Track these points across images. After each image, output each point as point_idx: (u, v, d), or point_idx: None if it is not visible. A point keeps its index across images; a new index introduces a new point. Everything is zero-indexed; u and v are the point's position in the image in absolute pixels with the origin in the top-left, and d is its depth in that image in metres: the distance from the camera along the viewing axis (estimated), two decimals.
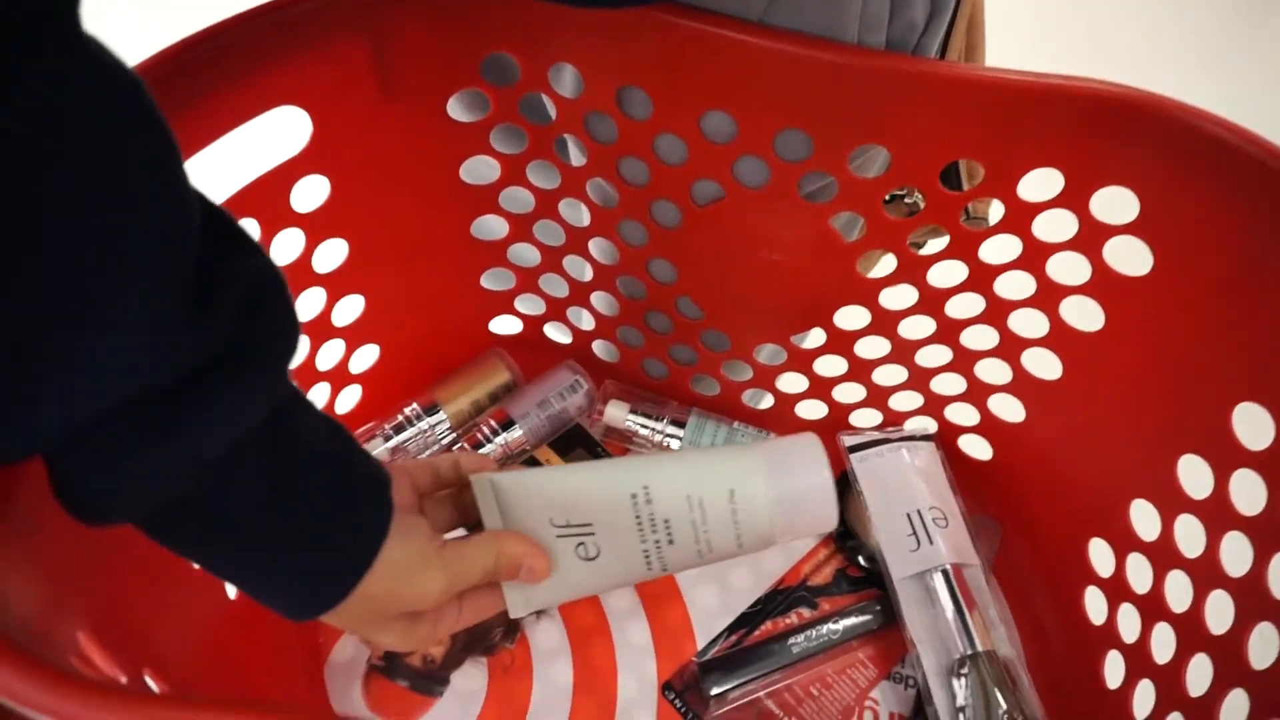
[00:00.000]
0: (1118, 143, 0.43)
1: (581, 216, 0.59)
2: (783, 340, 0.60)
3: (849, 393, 0.63)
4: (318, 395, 0.60)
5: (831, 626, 0.58)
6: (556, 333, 0.68)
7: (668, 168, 0.52)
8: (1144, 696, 0.50)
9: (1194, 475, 0.48)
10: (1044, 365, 0.56)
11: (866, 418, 0.65)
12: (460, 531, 0.44)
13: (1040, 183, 0.48)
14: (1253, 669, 0.43)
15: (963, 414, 0.62)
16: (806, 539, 0.63)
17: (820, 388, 0.63)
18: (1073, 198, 0.47)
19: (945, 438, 0.64)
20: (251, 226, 0.49)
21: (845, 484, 0.63)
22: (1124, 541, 0.53)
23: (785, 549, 0.62)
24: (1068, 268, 0.50)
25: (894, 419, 0.64)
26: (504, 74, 0.52)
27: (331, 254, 0.55)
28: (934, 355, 0.59)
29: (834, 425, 0.65)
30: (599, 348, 0.68)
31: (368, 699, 0.55)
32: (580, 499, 0.41)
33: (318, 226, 0.53)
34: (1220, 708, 0.44)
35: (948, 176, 0.51)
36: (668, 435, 0.64)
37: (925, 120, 0.45)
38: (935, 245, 0.53)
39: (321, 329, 0.57)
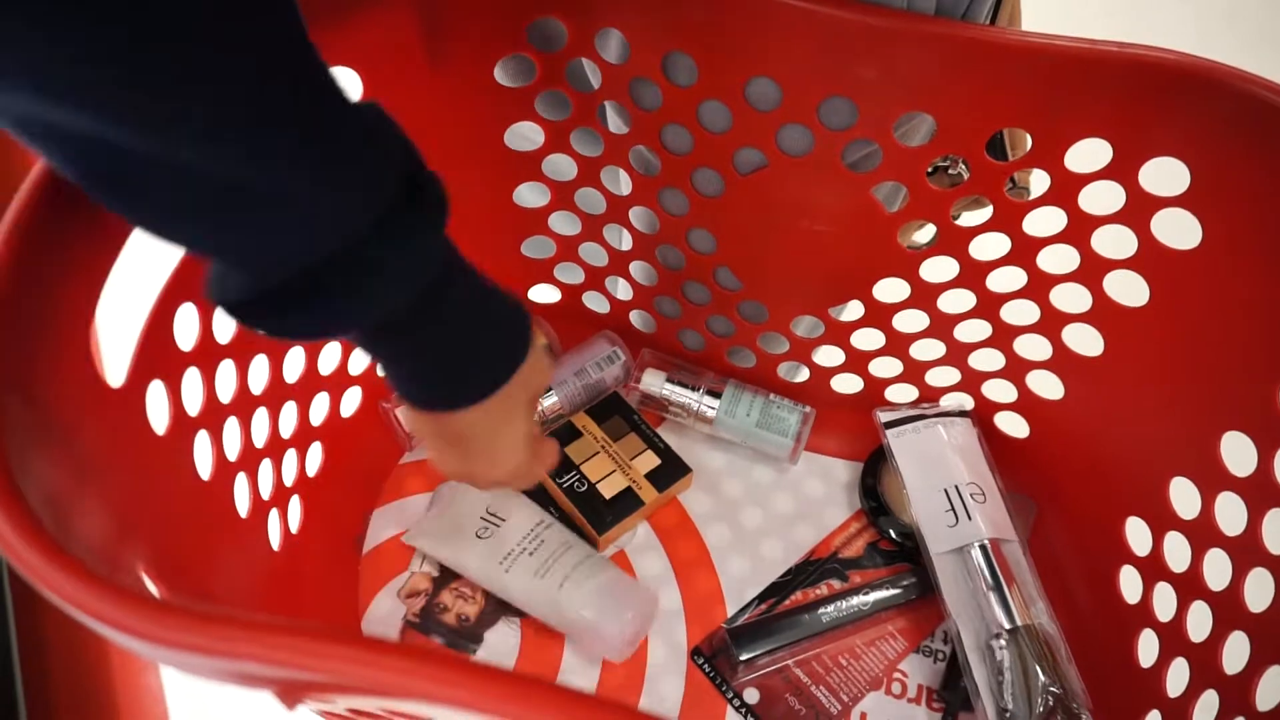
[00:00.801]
0: (1170, 112, 0.43)
1: (621, 185, 0.59)
2: (821, 312, 0.60)
3: (885, 367, 0.63)
4: (359, 360, 0.61)
5: (862, 599, 0.58)
6: (594, 302, 0.68)
7: (711, 135, 0.52)
8: (1178, 674, 0.50)
9: (1237, 452, 0.48)
10: (1085, 341, 0.55)
11: (902, 393, 0.65)
12: None
13: (1088, 153, 0.47)
14: None
15: (1000, 390, 0.62)
16: (839, 512, 0.63)
17: (857, 361, 0.63)
18: (1121, 168, 0.47)
19: (982, 414, 0.63)
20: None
21: (880, 458, 0.63)
22: (1161, 520, 0.53)
23: (816, 522, 0.62)
24: (1114, 241, 0.50)
25: (930, 395, 0.64)
26: (550, 39, 0.52)
27: None
28: (973, 330, 0.58)
29: (869, 399, 0.65)
30: (636, 318, 0.69)
31: None
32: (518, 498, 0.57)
33: None
34: (1257, 685, 0.44)
35: (992, 147, 0.51)
36: (704, 404, 0.64)
37: (972, 88, 0.45)
38: (972, 218, 0.53)
39: None
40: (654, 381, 0.65)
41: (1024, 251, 0.52)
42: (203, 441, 0.45)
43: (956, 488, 0.59)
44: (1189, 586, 0.50)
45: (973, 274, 0.55)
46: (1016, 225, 0.51)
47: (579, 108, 0.55)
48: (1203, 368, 0.49)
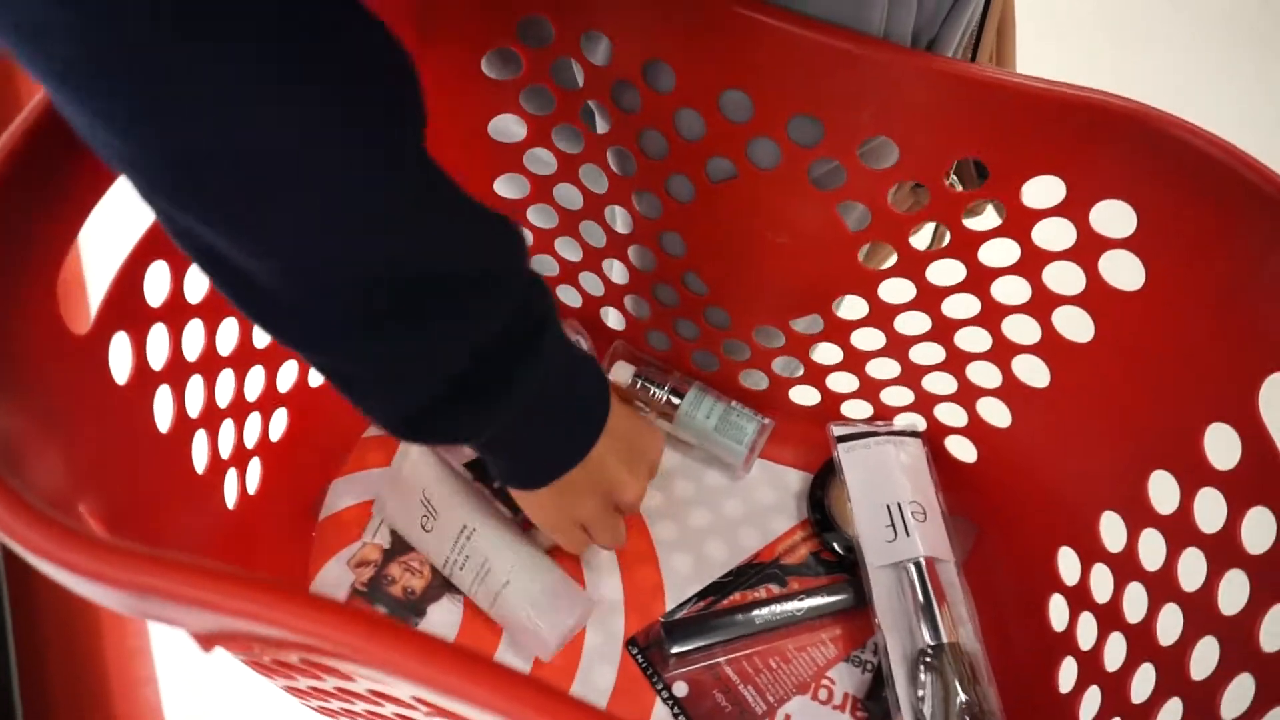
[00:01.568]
0: (1116, 155, 0.44)
1: (600, 183, 0.61)
2: (781, 323, 0.62)
3: (842, 382, 0.65)
4: None
5: (797, 604, 0.60)
6: (567, 296, 0.70)
7: (685, 142, 0.53)
8: (1091, 702, 0.51)
9: (1162, 491, 0.49)
10: (1033, 372, 0.57)
11: (858, 409, 0.66)
12: None
13: (1043, 190, 0.49)
14: (1192, 679, 0.44)
15: (951, 414, 0.63)
16: (786, 520, 0.64)
17: (815, 374, 0.65)
18: (1073, 207, 0.48)
19: (933, 436, 0.65)
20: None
21: (831, 471, 0.65)
22: (1091, 551, 0.54)
23: (762, 527, 0.64)
24: (1063, 277, 0.51)
25: (885, 413, 0.65)
26: (538, 36, 0.53)
27: None
28: (927, 353, 0.60)
29: (826, 413, 0.67)
30: (607, 314, 0.70)
31: None
32: (452, 497, 0.58)
33: None
34: (1157, 715, 0.46)
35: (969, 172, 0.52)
36: (667, 402, 0.66)
37: (931, 116, 0.47)
38: (979, 223, 0.54)
39: None
40: (623, 374, 0.67)
41: (978, 280, 0.54)
42: (164, 396, 0.47)
43: (899, 505, 0.60)
44: (1109, 618, 0.52)
45: (928, 298, 0.56)
46: (972, 254, 0.53)
47: (562, 104, 0.56)
48: (1138, 406, 0.51)
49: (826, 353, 0.63)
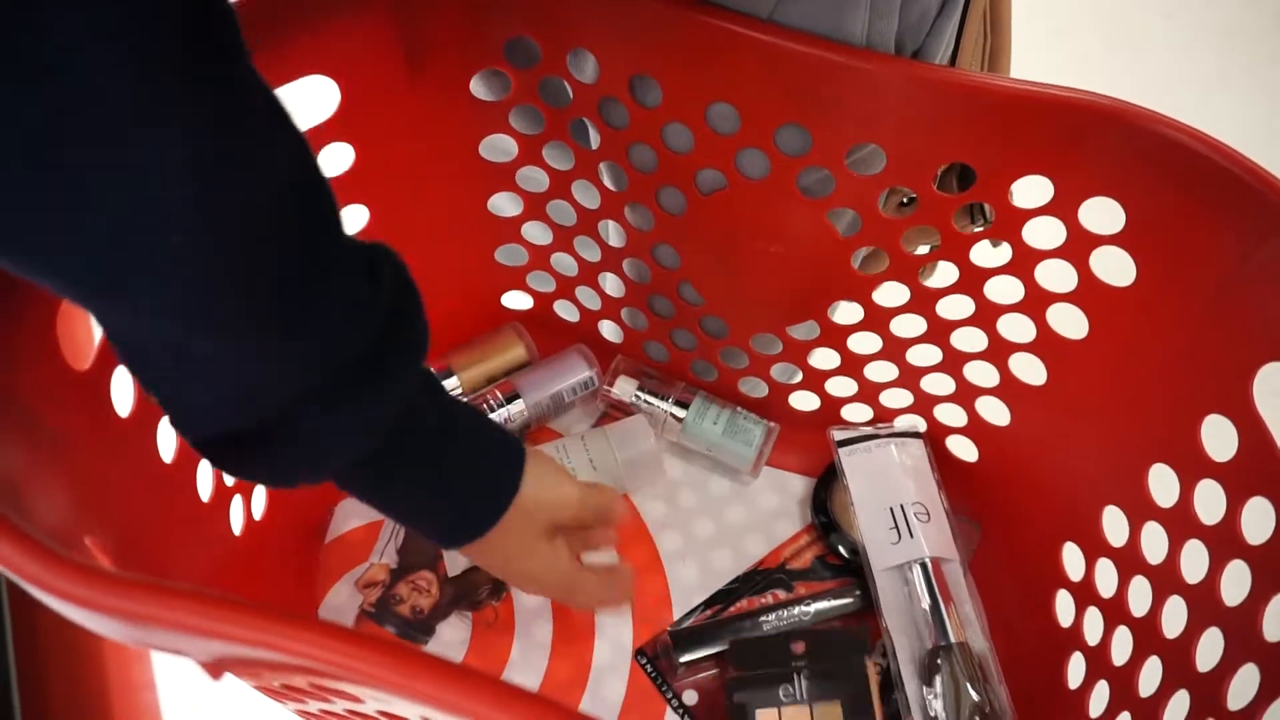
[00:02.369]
0: (1101, 153, 0.45)
1: (593, 198, 0.61)
2: (778, 331, 0.62)
3: (841, 387, 0.65)
4: None
5: (803, 609, 0.60)
6: (565, 311, 0.70)
7: (675, 155, 0.54)
8: (1099, 696, 0.51)
9: (1162, 484, 0.49)
10: (1030, 370, 0.57)
11: (858, 413, 0.66)
12: None
13: (1031, 190, 0.49)
14: (1198, 671, 0.44)
15: (951, 415, 0.63)
16: (790, 526, 0.65)
17: (813, 380, 0.65)
18: (1062, 206, 0.49)
19: (934, 437, 0.65)
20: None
21: (833, 475, 0.65)
22: (1094, 547, 0.55)
23: (767, 534, 0.64)
24: (1056, 275, 0.52)
25: (885, 415, 0.66)
26: (525, 56, 0.54)
27: (353, 220, 0.58)
28: (924, 355, 0.60)
29: (826, 418, 0.67)
30: (605, 327, 0.71)
31: None
32: None
33: (340, 193, 0.54)
34: (1165, 708, 0.46)
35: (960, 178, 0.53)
36: (672, 414, 0.66)
37: (917, 121, 0.47)
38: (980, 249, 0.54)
39: None
40: (626, 389, 0.67)
41: (971, 281, 0.54)
42: (167, 427, 0.47)
43: (902, 506, 0.61)
44: (1115, 612, 0.52)
45: (923, 300, 0.57)
46: (964, 255, 0.53)
47: (552, 122, 0.57)
48: (1135, 401, 0.51)
49: (824, 358, 0.64)
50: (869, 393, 0.64)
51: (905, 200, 0.56)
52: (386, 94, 0.54)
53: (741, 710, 0.54)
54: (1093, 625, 0.54)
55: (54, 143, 0.23)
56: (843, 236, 0.55)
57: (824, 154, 0.50)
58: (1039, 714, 0.55)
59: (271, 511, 0.57)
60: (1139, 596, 0.50)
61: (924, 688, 0.56)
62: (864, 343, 0.61)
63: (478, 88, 0.57)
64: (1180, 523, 0.48)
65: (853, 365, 0.63)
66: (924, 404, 0.64)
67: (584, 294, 0.69)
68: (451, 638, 0.58)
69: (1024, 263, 0.52)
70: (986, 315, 0.56)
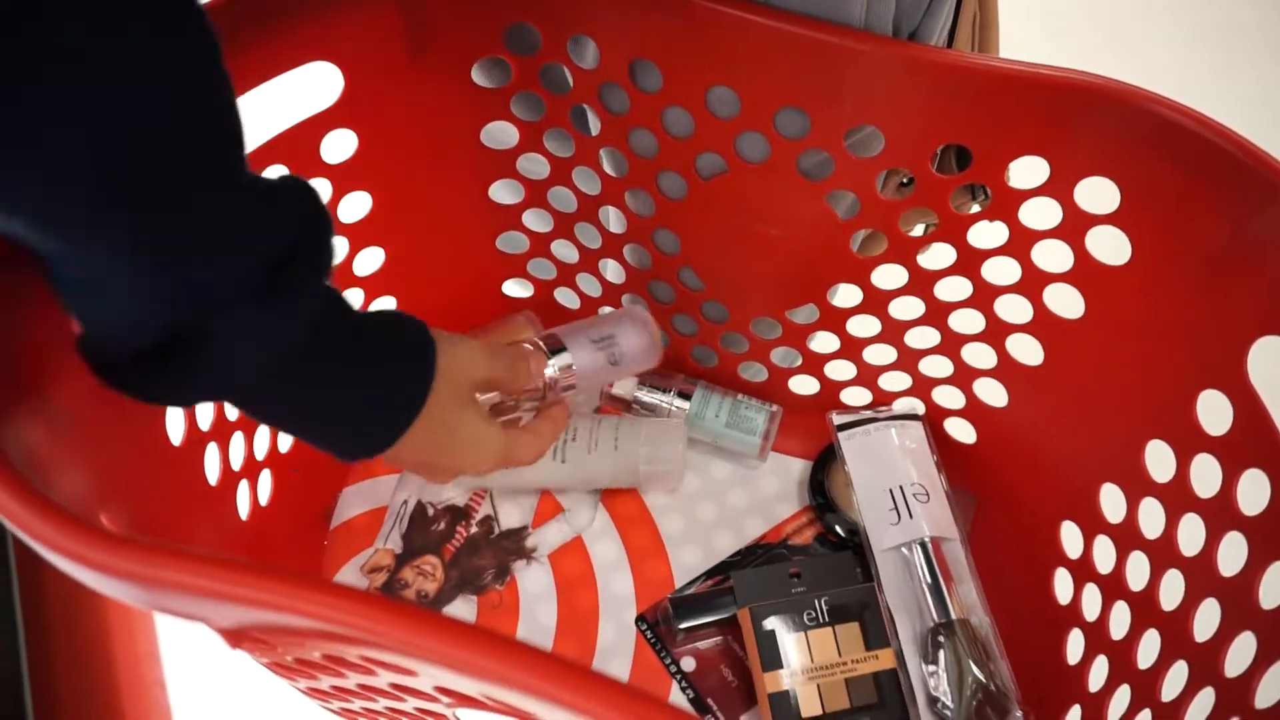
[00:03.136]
0: (1095, 132, 0.46)
1: (593, 185, 0.62)
2: (778, 314, 0.63)
3: (840, 370, 0.66)
4: None
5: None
6: (565, 298, 0.71)
7: (675, 140, 0.54)
8: (1098, 671, 0.52)
9: (1159, 460, 0.50)
10: (1027, 351, 0.58)
11: (857, 396, 0.67)
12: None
13: (1027, 170, 0.50)
14: (1196, 642, 0.45)
15: (950, 397, 0.64)
16: (790, 508, 0.65)
17: (813, 363, 0.66)
18: (1058, 186, 0.49)
19: (933, 419, 0.66)
20: (281, 174, 0.53)
21: (830, 456, 0.66)
22: (1092, 524, 0.55)
23: (768, 515, 0.65)
24: (1052, 255, 0.52)
25: (883, 398, 0.66)
26: (526, 43, 0.55)
27: (356, 206, 0.59)
28: (923, 337, 0.61)
29: (826, 402, 0.67)
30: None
31: None
32: None
33: (344, 178, 0.57)
34: (1163, 680, 0.46)
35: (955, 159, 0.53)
36: (675, 407, 0.66)
37: (914, 103, 0.48)
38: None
39: (343, 277, 0.61)
40: (626, 386, 0.68)
41: (969, 262, 0.55)
42: (176, 409, 0.48)
43: (901, 488, 0.61)
44: (1113, 587, 0.53)
45: (920, 282, 0.57)
46: (961, 237, 0.54)
47: (552, 109, 0.58)
48: (1130, 379, 0.52)
49: (824, 341, 0.64)
50: (868, 376, 0.65)
51: (905, 181, 0.57)
52: (389, 81, 0.55)
53: (771, 637, 0.56)
54: (1091, 601, 0.55)
55: None
56: (842, 219, 0.55)
57: (823, 136, 0.51)
58: (1040, 690, 0.56)
59: (277, 496, 0.58)
60: (1137, 571, 0.51)
61: (926, 666, 0.56)
62: (863, 325, 0.62)
63: (479, 75, 0.57)
64: (1177, 497, 0.49)
65: (852, 348, 0.64)
66: (922, 386, 0.64)
67: (585, 281, 0.69)
68: None
69: (1021, 243, 0.53)
70: (984, 296, 0.56)
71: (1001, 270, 0.55)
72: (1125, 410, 0.53)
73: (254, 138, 0.51)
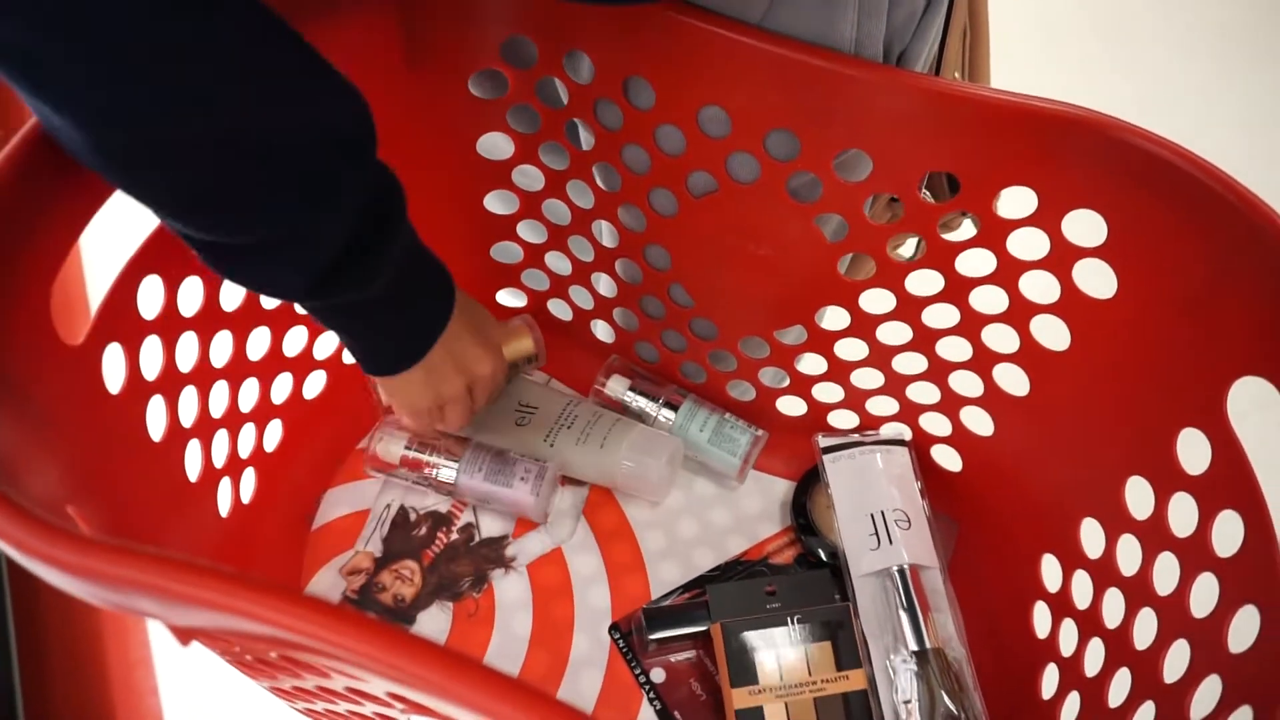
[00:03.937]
0: (1084, 165, 0.45)
1: (586, 198, 0.62)
2: (766, 334, 0.63)
3: (828, 393, 0.66)
4: (325, 345, 0.63)
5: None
6: (558, 309, 0.71)
7: (667, 157, 0.55)
8: (1070, 708, 0.52)
9: (1138, 497, 0.50)
10: (1014, 381, 0.57)
11: (844, 419, 0.67)
12: None
13: (1016, 201, 0.50)
14: (1165, 684, 0.44)
15: (936, 424, 0.64)
16: (772, 528, 0.65)
17: (800, 384, 0.66)
18: (1045, 217, 0.49)
19: (919, 445, 0.65)
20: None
21: (814, 478, 0.65)
22: (1072, 558, 0.55)
23: (749, 532, 0.65)
24: (1039, 286, 0.52)
25: (870, 422, 0.66)
26: (522, 57, 0.55)
27: None
28: (910, 363, 0.61)
29: (813, 423, 0.67)
30: (597, 327, 0.71)
31: None
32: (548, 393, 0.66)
33: None
34: (1133, 718, 0.46)
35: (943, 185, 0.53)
36: (661, 415, 0.67)
37: (902, 129, 0.48)
38: (954, 236, 0.54)
39: None
40: (618, 387, 0.68)
41: (957, 290, 0.55)
42: (157, 406, 0.48)
43: (883, 513, 0.61)
44: (1089, 624, 0.52)
45: (908, 308, 0.57)
46: (949, 264, 0.54)
47: (547, 122, 0.58)
48: (1114, 414, 0.52)
49: (812, 363, 0.64)
50: (855, 399, 0.65)
51: (894, 198, 0.57)
52: (387, 90, 0.55)
53: (742, 653, 0.56)
54: (1068, 637, 0.54)
55: None
56: (830, 241, 0.55)
57: (812, 159, 0.51)
58: None
59: (260, 496, 0.58)
60: (1112, 608, 0.51)
61: (899, 694, 0.56)
62: (851, 349, 0.62)
63: (475, 87, 0.58)
64: (1154, 535, 0.48)
65: (839, 371, 0.63)
66: (909, 412, 0.64)
67: (577, 293, 0.69)
68: (432, 627, 0.59)
69: (1008, 273, 0.53)
70: (972, 324, 0.56)
71: (989, 299, 0.55)
72: (1108, 445, 0.52)
73: None
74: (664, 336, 0.67)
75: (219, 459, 0.54)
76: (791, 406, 0.68)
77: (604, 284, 0.67)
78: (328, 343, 0.63)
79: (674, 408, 0.67)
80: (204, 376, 0.52)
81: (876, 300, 0.58)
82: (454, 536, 0.63)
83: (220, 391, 0.53)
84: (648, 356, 0.70)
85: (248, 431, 0.57)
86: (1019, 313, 0.54)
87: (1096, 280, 0.50)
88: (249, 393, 0.56)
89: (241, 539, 0.56)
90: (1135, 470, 0.50)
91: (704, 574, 0.62)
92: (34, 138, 0.37)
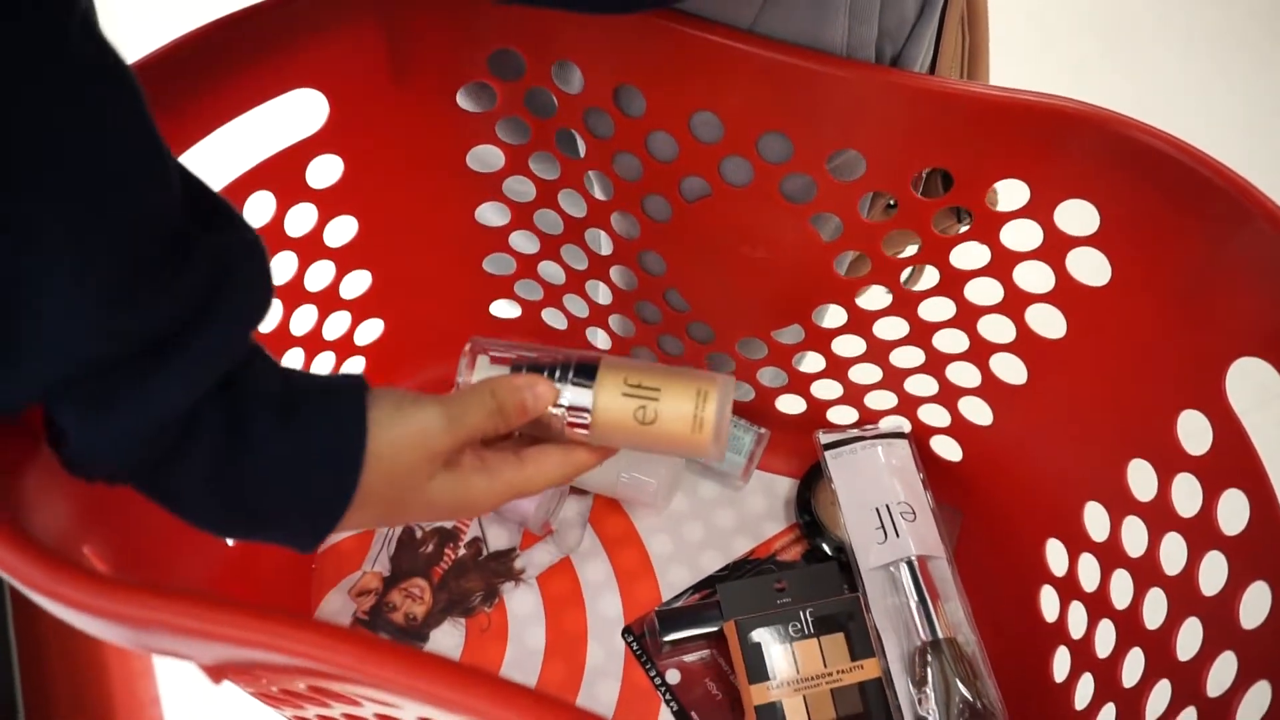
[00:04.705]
0: (1075, 156, 0.46)
1: (580, 207, 0.62)
2: (764, 335, 0.63)
3: (827, 390, 0.66)
4: (323, 363, 0.63)
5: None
6: (553, 319, 0.71)
7: (659, 164, 0.55)
8: (1084, 689, 0.52)
9: (1141, 479, 0.51)
10: (1011, 370, 0.58)
11: (843, 415, 0.67)
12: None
13: (1009, 193, 0.50)
14: (1179, 661, 0.45)
15: (935, 415, 0.64)
16: (777, 526, 0.66)
17: (799, 383, 0.66)
18: (1038, 208, 0.50)
19: (919, 437, 0.66)
20: (267, 200, 0.53)
21: (817, 475, 0.66)
22: (1076, 541, 0.56)
23: (754, 532, 0.65)
24: (1033, 276, 0.53)
25: (869, 417, 0.67)
26: (510, 69, 0.55)
27: (342, 230, 0.59)
28: (908, 357, 0.61)
29: (812, 421, 0.68)
30: (592, 335, 0.71)
31: None
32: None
33: (330, 203, 0.57)
34: (1147, 699, 0.47)
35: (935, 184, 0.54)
36: None
37: (894, 128, 0.48)
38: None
39: (329, 300, 0.61)
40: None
41: (952, 283, 0.55)
42: None
43: (888, 506, 0.62)
44: (1098, 605, 0.53)
45: (905, 303, 0.58)
46: (944, 258, 0.54)
47: (538, 133, 0.58)
48: (1112, 398, 0.52)
49: (810, 362, 0.64)
50: (854, 395, 0.65)
51: (891, 203, 0.57)
52: (374, 107, 0.55)
53: (757, 650, 0.56)
54: (1077, 619, 0.55)
55: None
56: (826, 241, 0.56)
57: (805, 161, 0.51)
58: (1027, 708, 0.56)
59: None
60: (1120, 590, 0.51)
61: (913, 685, 0.56)
62: (848, 345, 0.62)
63: (464, 100, 0.58)
64: (1159, 516, 0.49)
65: (838, 368, 0.64)
66: (908, 405, 0.65)
67: (571, 302, 0.69)
68: (445, 644, 0.59)
69: (1003, 264, 0.53)
70: (967, 316, 0.57)
71: (984, 291, 0.55)
72: (1107, 429, 0.53)
73: (241, 164, 0.52)
74: (661, 341, 0.67)
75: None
76: (791, 405, 0.68)
77: (600, 292, 0.67)
78: (327, 370, 0.63)
79: None
80: None
81: (873, 297, 0.58)
82: (462, 551, 0.63)
83: None
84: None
85: None
86: (1014, 303, 0.55)
87: (1090, 269, 0.51)
88: None
89: (249, 566, 0.56)
90: (1136, 453, 0.51)
91: (713, 574, 0.63)
92: None
